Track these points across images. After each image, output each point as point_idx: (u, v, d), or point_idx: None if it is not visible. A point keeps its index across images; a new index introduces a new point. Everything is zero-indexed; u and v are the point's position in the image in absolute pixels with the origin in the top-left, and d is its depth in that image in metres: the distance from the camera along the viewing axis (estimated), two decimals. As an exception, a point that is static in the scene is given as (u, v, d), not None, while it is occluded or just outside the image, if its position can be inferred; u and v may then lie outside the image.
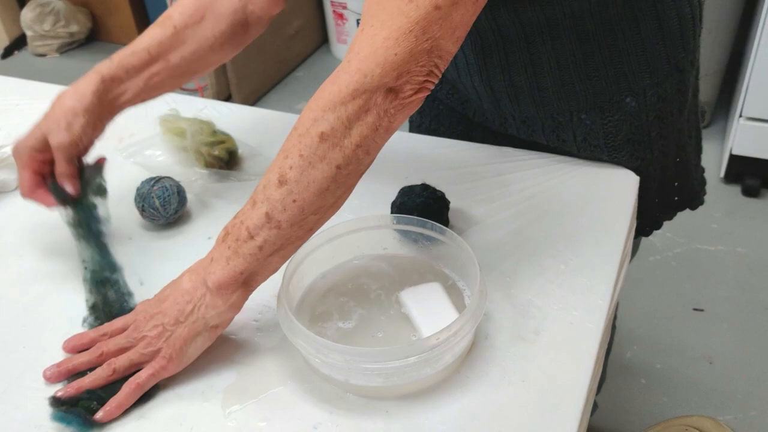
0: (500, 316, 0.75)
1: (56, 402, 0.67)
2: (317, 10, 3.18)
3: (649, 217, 1.01)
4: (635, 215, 0.91)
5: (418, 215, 0.78)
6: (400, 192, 0.86)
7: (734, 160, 2.21)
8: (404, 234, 0.80)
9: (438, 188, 0.85)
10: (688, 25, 0.88)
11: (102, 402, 0.67)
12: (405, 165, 0.98)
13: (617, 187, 0.92)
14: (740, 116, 2.13)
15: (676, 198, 1.03)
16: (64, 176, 0.81)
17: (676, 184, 1.01)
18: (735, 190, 2.25)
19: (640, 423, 1.62)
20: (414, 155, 1.00)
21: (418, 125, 1.11)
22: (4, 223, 0.94)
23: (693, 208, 1.06)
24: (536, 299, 0.77)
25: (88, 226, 0.81)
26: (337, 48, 3.20)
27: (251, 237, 0.66)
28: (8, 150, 0.98)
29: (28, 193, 0.82)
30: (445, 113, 1.07)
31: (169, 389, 0.70)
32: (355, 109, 0.62)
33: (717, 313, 1.90)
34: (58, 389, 0.68)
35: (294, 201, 0.64)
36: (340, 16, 3.05)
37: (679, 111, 0.93)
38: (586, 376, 0.69)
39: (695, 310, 1.91)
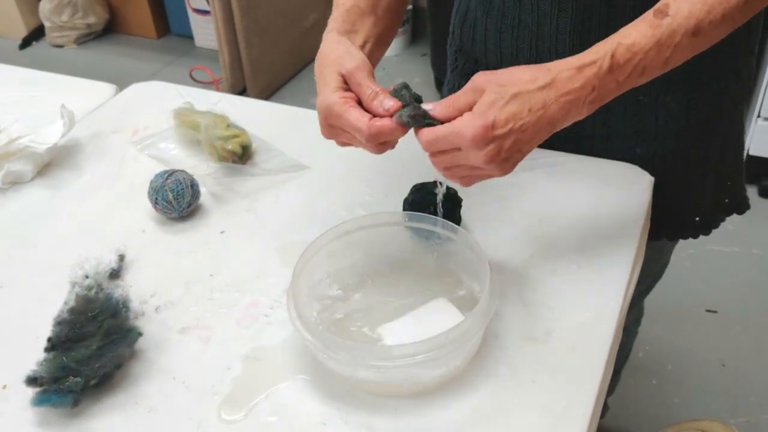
0: (511, 316, 0.75)
1: (32, 381, 0.67)
2: (333, 4, 3.18)
3: (704, 216, 1.01)
4: (649, 216, 0.90)
5: (430, 213, 0.78)
6: (412, 189, 0.85)
7: (751, 161, 2.19)
8: (416, 231, 0.80)
9: (450, 186, 0.85)
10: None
11: (81, 378, 0.66)
12: (418, 162, 0.97)
13: (631, 188, 0.91)
14: (758, 117, 2.11)
15: (727, 200, 1.02)
16: (375, 95, 0.71)
17: (729, 183, 1.01)
18: (751, 191, 2.22)
19: (650, 425, 1.61)
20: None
21: None
22: (19, 213, 0.95)
23: (741, 212, 1.05)
24: (548, 299, 0.77)
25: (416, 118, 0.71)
26: (353, 42, 3.19)
27: (641, 75, 0.69)
28: (25, 141, 0.99)
29: (368, 129, 0.69)
30: None
31: (178, 382, 0.70)
32: None
33: (730, 315, 1.88)
34: (33, 369, 0.68)
35: (693, 50, 0.70)
36: (356, 10, 3.04)
37: (745, 99, 0.94)
38: (597, 377, 0.69)
39: (708, 311, 1.90)
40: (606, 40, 0.70)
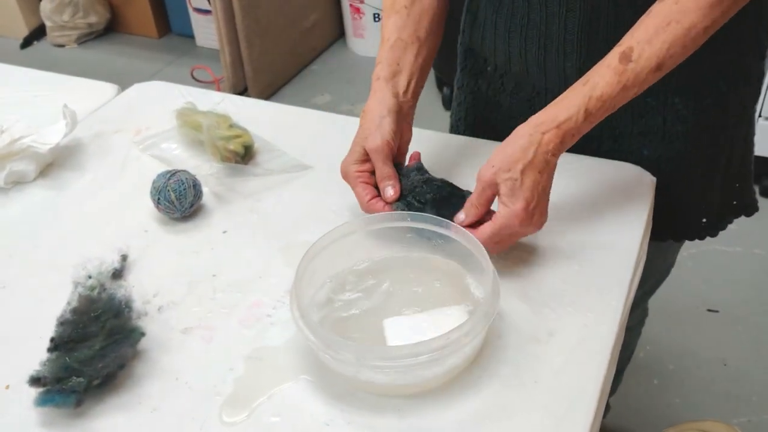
0: (514, 316, 0.75)
1: (35, 381, 0.67)
2: (334, 3, 3.18)
3: (711, 217, 1.01)
4: (651, 216, 0.90)
5: (432, 208, 0.79)
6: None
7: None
8: (418, 232, 0.80)
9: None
10: None
11: (84, 378, 0.66)
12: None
13: (634, 188, 0.91)
14: (759, 116, 2.11)
15: (734, 202, 1.02)
16: (384, 179, 0.83)
17: (737, 185, 1.01)
18: (753, 190, 2.22)
19: (652, 424, 1.61)
20: (427, 152, 1.00)
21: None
22: (21, 213, 0.95)
23: (749, 214, 1.05)
24: (550, 300, 0.77)
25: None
26: (354, 42, 3.19)
27: (612, 110, 0.77)
28: (27, 141, 0.99)
29: (366, 207, 0.83)
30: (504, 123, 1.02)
31: (181, 382, 0.71)
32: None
33: (732, 315, 1.88)
34: (36, 369, 0.68)
35: (656, 79, 0.76)
36: (357, 10, 3.05)
37: (754, 100, 0.94)
38: (599, 378, 0.69)
39: (710, 311, 1.90)
40: (577, 91, 0.76)
